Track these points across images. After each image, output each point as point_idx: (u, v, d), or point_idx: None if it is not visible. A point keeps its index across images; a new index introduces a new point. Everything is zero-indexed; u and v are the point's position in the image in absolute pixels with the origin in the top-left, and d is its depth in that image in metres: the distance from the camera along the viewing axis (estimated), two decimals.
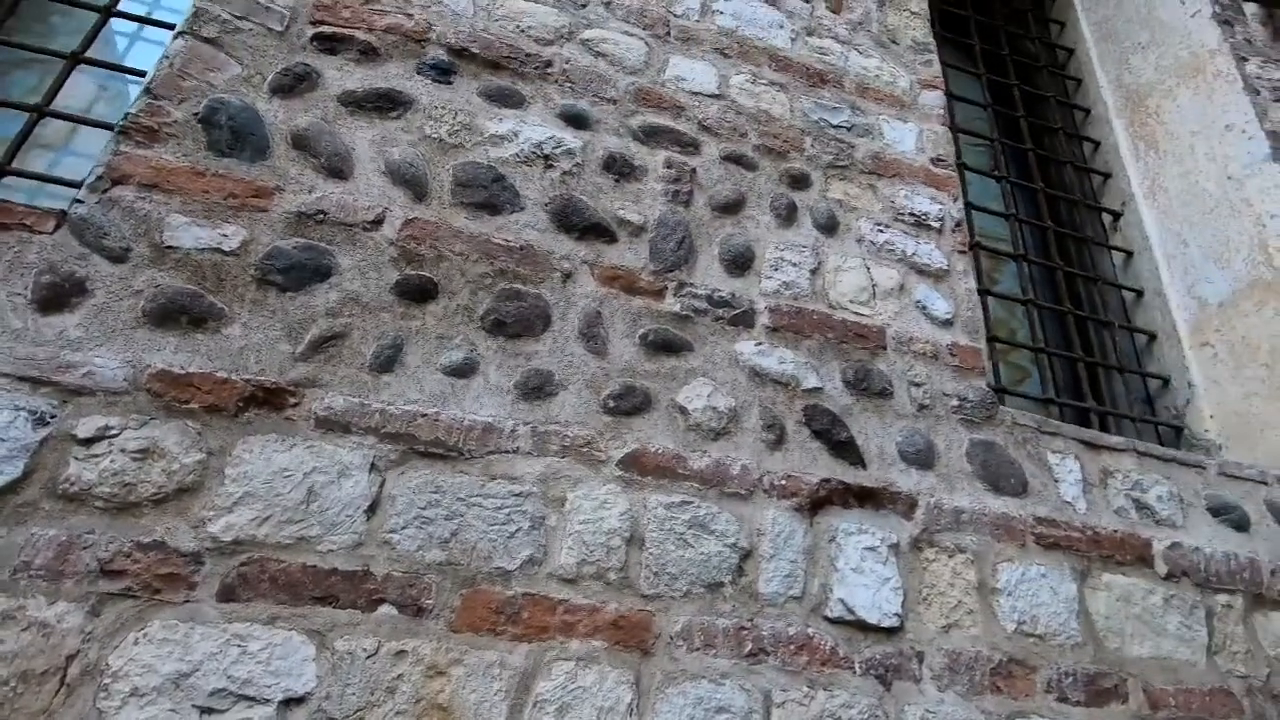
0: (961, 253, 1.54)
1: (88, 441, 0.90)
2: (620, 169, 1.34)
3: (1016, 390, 1.69)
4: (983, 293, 1.69)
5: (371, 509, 0.97)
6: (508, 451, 1.06)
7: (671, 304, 1.26)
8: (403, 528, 0.97)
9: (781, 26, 1.67)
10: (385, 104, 1.25)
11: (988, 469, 1.31)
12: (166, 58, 1.16)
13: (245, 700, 0.84)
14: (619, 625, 1.00)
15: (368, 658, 0.89)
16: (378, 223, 1.15)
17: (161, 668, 0.83)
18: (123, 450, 0.91)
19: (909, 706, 1.08)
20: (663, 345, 1.22)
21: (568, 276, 1.22)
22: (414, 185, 1.20)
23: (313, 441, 0.98)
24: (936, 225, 1.54)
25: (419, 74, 1.30)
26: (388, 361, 1.06)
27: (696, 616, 1.04)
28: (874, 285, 1.42)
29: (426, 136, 1.24)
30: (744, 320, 1.29)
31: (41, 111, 1.21)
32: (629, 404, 1.15)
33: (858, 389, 1.30)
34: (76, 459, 0.89)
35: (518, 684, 0.93)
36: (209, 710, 0.82)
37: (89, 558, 0.85)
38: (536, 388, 1.11)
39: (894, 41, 1.79)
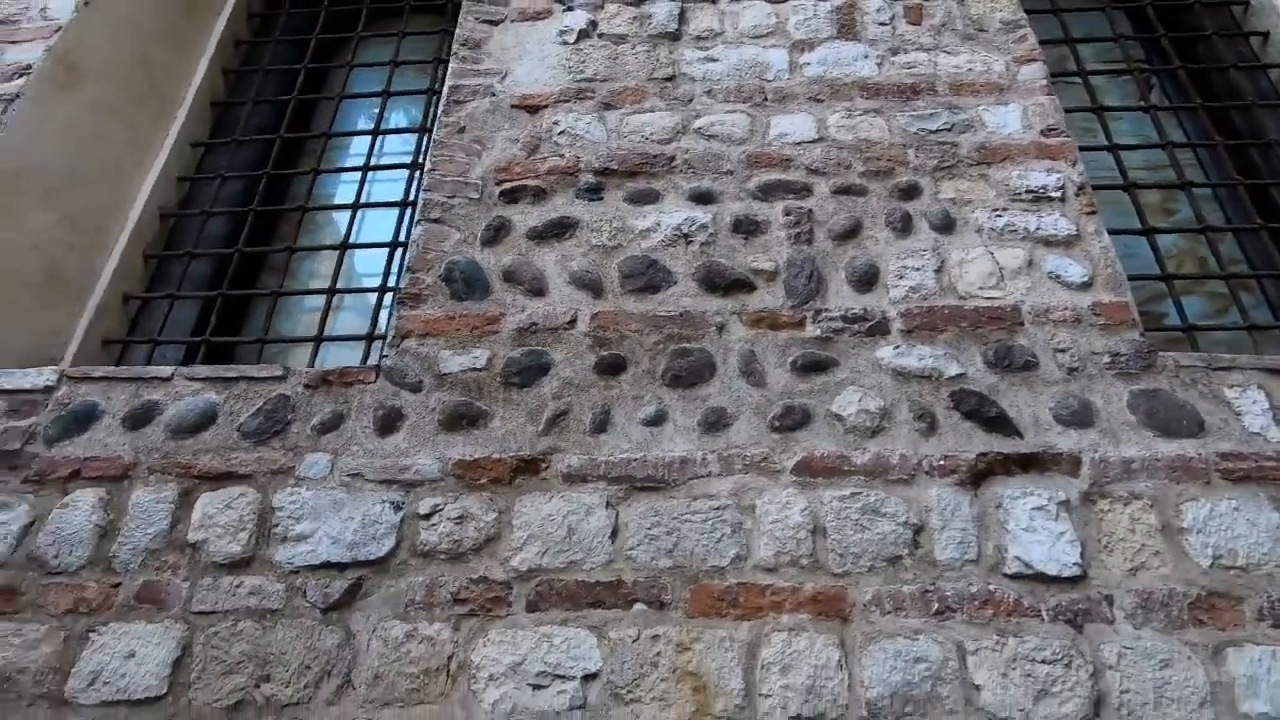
0: (1090, 213, 1.59)
1: (426, 516, 1.34)
2: (747, 228, 1.61)
3: (1209, 325, 1.66)
4: (1148, 231, 1.70)
5: (613, 534, 1.31)
6: (702, 476, 1.35)
7: (812, 330, 1.49)
8: (637, 545, 1.30)
9: (866, 57, 1.85)
10: (559, 229, 1.64)
11: (1154, 416, 1.36)
12: (415, 241, 1.64)
13: (558, 678, 1.20)
14: (818, 600, 1.24)
15: (633, 642, 1.22)
16: (572, 322, 1.53)
17: (504, 659, 1.22)
18: (448, 519, 1.34)
19: (1105, 645, 1.18)
20: (811, 366, 1.45)
21: (721, 328, 1.50)
22: (592, 286, 1.56)
23: (564, 492, 1.35)
24: (1057, 194, 1.61)
25: (578, 198, 1.68)
26: (601, 424, 1.42)
27: (883, 586, 1.24)
28: (1000, 269, 1.53)
29: (594, 246, 1.61)
30: (879, 329, 1.48)
31: (333, 291, 1.76)
32: (791, 421, 1.39)
33: (1000, 367, 1.43)
34: (423, 529, 1.33)
35: (745, 652, 1.21)
36: (538, 686, 1.20)
37: (444, 593, 1.28)
38: (714, 422, 1.40)
39: (981, 30, 1.89)
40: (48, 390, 1.52)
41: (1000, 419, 1.38)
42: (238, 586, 1.30)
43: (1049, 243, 1.56)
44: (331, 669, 1.23)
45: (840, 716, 1.15)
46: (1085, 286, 1.50)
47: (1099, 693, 1.15)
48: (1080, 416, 1.37)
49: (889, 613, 1.22)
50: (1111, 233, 1.60)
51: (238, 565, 1.32)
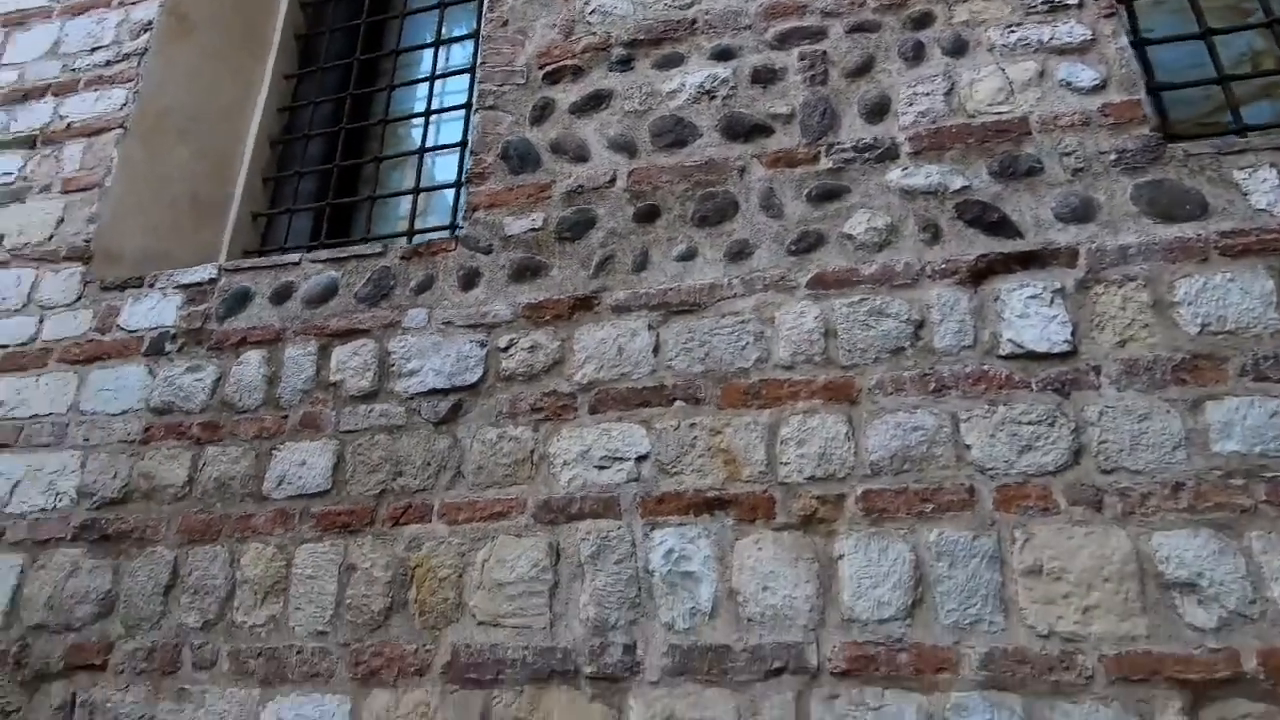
0: (1109, 15, 1.60)
1: (505, 349, 1.65)
2: (765, 78, 1.74)
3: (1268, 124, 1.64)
4: (1206, 34, 1.68)
5: (655, 350, 1.57)
6: (728, 297, 1.57)
7: (825, 163, 1.63)
8: (675, 357, 1.55)
9: None
10: (596, 101, 1.83)
11: (1156, 204, 1.43)
12: (475, 128, 1.89)
13: (617, 460, 1.50)
14: (828, 388, 1.46)
15: (674, 430, 1.50)
16: (612, 181, 1.75)
17: (573, 449, 1.53)
18: (522, 349, 1.64)
19: (1088, 406, 1.34)
20: (825, 196, 1.61)
21: (743, 171, 1.67)
22: (627, 148, 1.77)
23: (613, 320, 1.61)
24: (1074, 0, 1.63)
25: (610, 71, 1.86)
26: (641, 264, 1.65)
27: (886, 373, 1.44)
28: (1010, 83, 1.59)
29: (627, 112, 1.80)
30: (888, 155, 1.60)
31: (417, 190, 2.06)
32: (806, 244, 1.57)
33: (1005, 176, 1.52)
34: (503, 359, 1.65)
35: (767, 432, 1.45)
36: (601, 467, 1.50)
37: (524, 404, 1.59)
38: (738, 252, 1.61)
39: None
40: (212, 282, 1.94)
41: (1002, 223, 1.49)
42: (370, 411, 1.68)
43: (1062, 51, 1.59)
44: (446, 464, 1.59)
45: (847, 475, 1.39)
46: (1097, 89, 1.55)
47: (1079, 444, 1.32)
48: (1081, 212, 1.46)
49: (891, 394, 1.43)
50: (1167, 40, 1.60)
51: (368, 396, 1.70)
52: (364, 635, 1.50)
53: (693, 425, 1.49)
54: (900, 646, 1.27)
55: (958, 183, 1.54)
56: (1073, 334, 1.39)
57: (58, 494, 1.79)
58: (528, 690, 1.39)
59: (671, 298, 1.60)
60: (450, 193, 2.16)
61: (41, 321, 2.04)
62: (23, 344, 2.01)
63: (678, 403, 1.52)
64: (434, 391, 1.66)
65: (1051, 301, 1.41)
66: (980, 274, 1.47)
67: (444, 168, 2.39)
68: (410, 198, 2.22)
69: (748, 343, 1.53)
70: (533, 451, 1.56)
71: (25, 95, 2.40)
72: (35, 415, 1.90)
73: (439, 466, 1.59)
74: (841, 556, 1.35)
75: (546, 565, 1.46)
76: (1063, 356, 1.38)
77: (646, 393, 1.54)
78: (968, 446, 1.36)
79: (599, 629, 1.40)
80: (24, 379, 1.96)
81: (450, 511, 1.55)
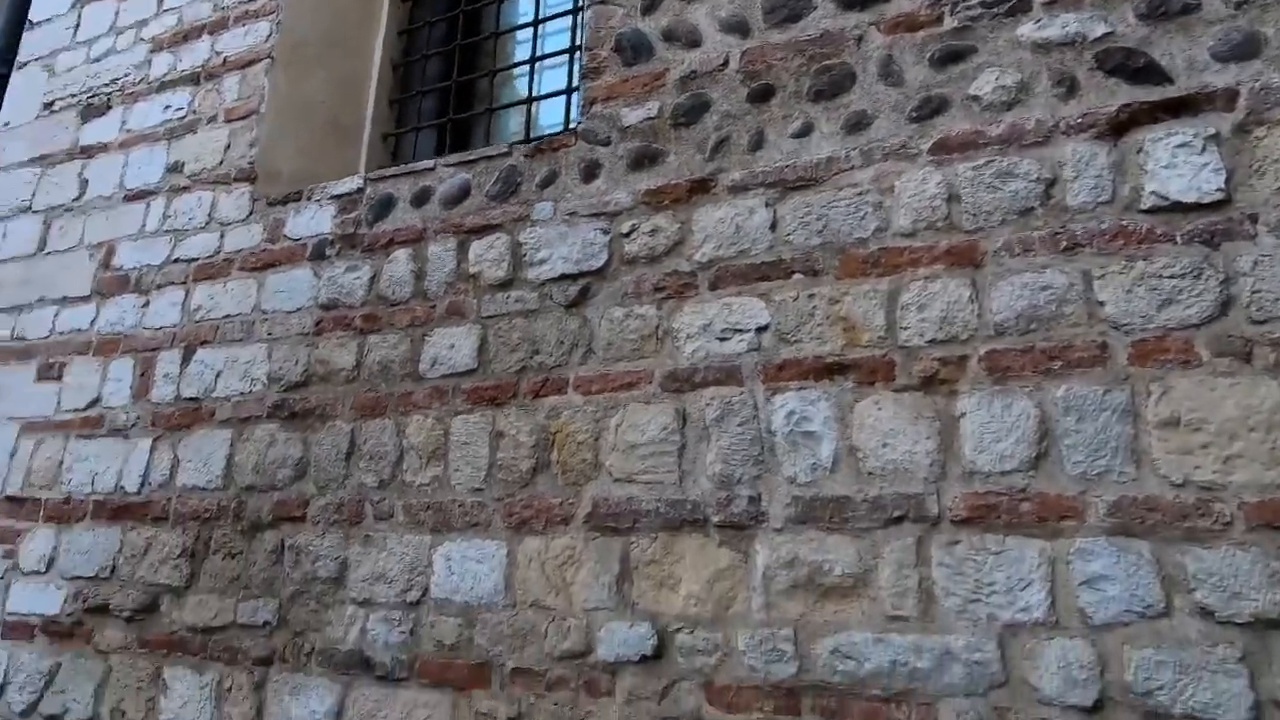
0: None
1: (627, 234, 1.74)
2: None
3: None
4: None
5: (772, 226, 1.61)
6: (846, 170, 1.58)
7: (950, 23, 1.57)
8: (793, 231, 1.59)
9: None
10: None
11: None
12: (587, 24, 1.94)
13: (737, 331, 1.58)
14: (951, 253, 1.45)
15: (793, 301, 1.55)
16: (725, 63, 1.76)
17: (695, 324, 1.62)
18: (643, 234, 1.73)
19: (1241, 257, 1.27)
20: (949, 58, 1.55)
21: (860, 40, 1.64)
22: (739, 28, 1.76)
23: (730, 200, 1.66)
24: None
25: None
26: (757, 143, 1.68)
27: (1013, 234, 1.42)
28: None
29: None
30: (1019, 8, 1.52)
31: (530, 100, 2.14)
32: (928, 110, 1.54)
33: (1154, 16, 1.41)
34: (625, 244, 1.74)
35: (886, 298, 1.48)
36: (722, 339, 1.59)
37: (648, 284, 1.69)
38: (856, 124, 1.60)
39: None
40: (359, 191, 2.13)
41: (1148, 68, 1.40)
42: (507, 298, 1.84)
43: None
44: (577, 342, 1.73)
45: (969, 337, 1.41)
46: None
47: (1228, 296, 1.26)
48: (1244, 49, 1.34)
49: (1018, 255, 1.41)
50: None
51: (504, 284, 1.85)
52: (514, 491, 1.70)
53: (811, 296, 1.54)
54: (1023, 496, 1.30)
55: (1098, 30, 1.45)
56: (1226, 182, 1.30)
57: (252, 380, 2.10)
58: (661, 537, 1.54)
59: (788, 174, 1.62)
60: (560, 102, 2.25)
61: (222, 236, 2.33)
62: (210, 256, 2.31)
63: (796, 275, 1.57)
64: (563, 277, 1.78)
65: (1203, 149, 1.33)
66: (1121, 126, 1.39)
67: (552, 80, 2.46)
68: (524, 109, 2.33)
69: (866, 213, 1.54)
70: (657, 327, 1.66)
71: (185, 36, 2.66)
72: (227, 315, 2.21)
73: (571, 344, 1.73)
74: (963, 414, 1.38)
75: (674, 429, 1.59)
76: (1214, 206, 1.30)
77: (765, 267, 1.60)
78: (1101, 303, 1.33)
79: (725, 483, 1.51)
80: (214, 286, 2.27)
81: (584, 384, 1.70)
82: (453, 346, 1.86)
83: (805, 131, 1.64)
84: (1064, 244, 1.38)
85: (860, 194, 1.55)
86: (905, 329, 1.45)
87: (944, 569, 1.32)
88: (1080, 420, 1.30)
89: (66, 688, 2.05)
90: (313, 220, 2.18)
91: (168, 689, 1.92)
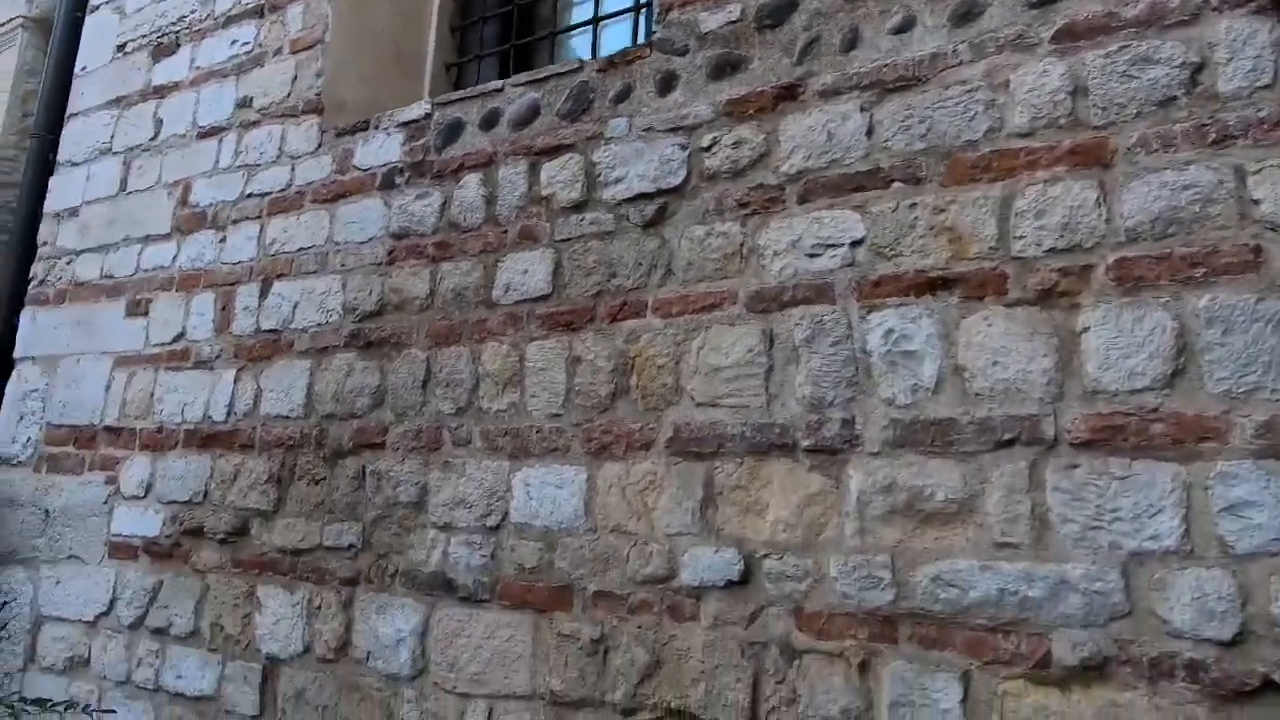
0: None
1: (707, 148, 1.64)
2: None
3: None
4: None
5: (868, 132, 1.49)
6: (953, 66, 1.43)
7: None
8: (892, 136, 1.47)
9: None
10: None
11: None
12: None
13: (829, 247, 1.48)
14: (1075, 152, 1.31)
15: (892, 212, 1.44)
16: None
17: (783, 240, 1.53)
18: (725, 146, 1.63)
19: None
20: None
21: None
22: None
23: (821, 106, 1.54)
24: None
25: None
26: (850, 43, 1.54)
27: (1150, 129, 1.26)
28: None
29: None
30: None
31: (596, 20, 2.03)
32: None
33: None
34: (705, 158, 1.64)
35: (999, 205, 1.35)
36: (813, 255, 1.49)
37: (730, 200, 1.60)
38: (964, 14, 1.44)
39: None
40: (426, 117, 2.08)
41: None
42: (581, 220, 1.77)
43: None
44: (656, 264, 1.66)
45: (1096, 245, 1.27)
46: None
47: None
48: None
49: (1155, 151, 1.26)
50: None
51: (578, 206, 1.78)
52: (593, 416, 1.66)
53: (913, 206, 1.42)
54: (1155, 417, 1.19)
55: None
56: None
57: (328, 311, 2.11)
58: (747, 462, 1.48)
59: (886, 74, 1.49)
60: (625, 27, 2.13)
61: (293, 170, 2.32)
62: (282, 190, 2.32)
63: (895, 184, 1.45)
64: (640, 196, 1.71)
65: None
66: None
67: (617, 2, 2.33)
68: (589, 34, 2.23)
69: (976, 113, 1.40)
70: (741, 245, 1.57)
71: None
72: (301, 248, 2.22)
73: (650, 266, 1.67)
74: (1086, 329, 1.26)
75: (760, 350, 1.51)
76: None
77: (860, 177, 1.48)
78: (1255, 202, 1.18)
79: (815, 406, 1.44)
80: (287, 219, 2.28)
81: (663, 306, 1.63)
82: (526, 272, 1.82)
83: (906, 26, 1.49)
84: (1212, 136, 1.22)
85: (969, 92, 1.41)
86: (1020, 238, 1.33)
87: (1060, 494, 1.23)
88: (1226, 333, 1.16)
89: (169, 603, 2.16)
90: (381, 149, 2.14)
91: (261, 606, 2.00)
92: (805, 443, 1.44)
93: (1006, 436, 1.28)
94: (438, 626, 1.74)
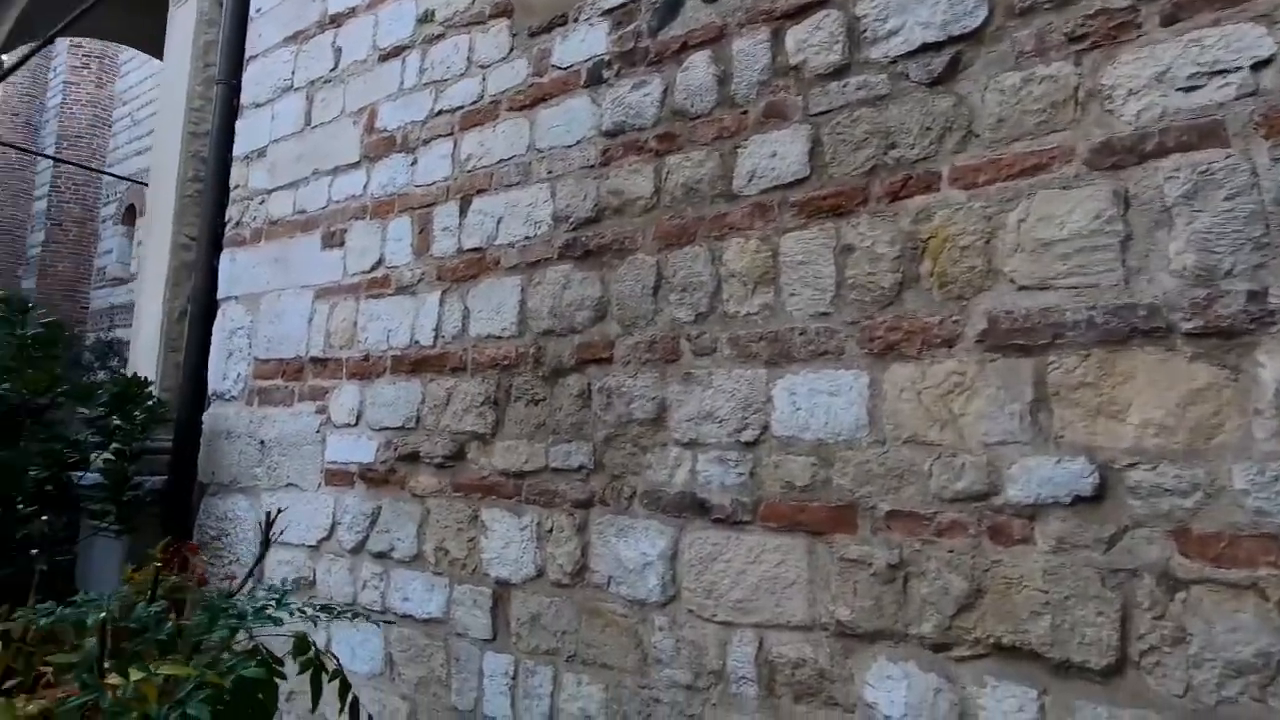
0: None
1: None
2: None
3: None
4: None
5: None
6: None
7: None
8: None
9: None
10: None
11: None
12: None
13: (1217, 74, 1.15)
14: None
15: None
16: None
17: (1142, 74, 1.21)
18: None
19: None
20: None
21: None
22: None
23: None
24: None
25: None
26: None
27: None
28: None
29: None
30: None
31: None
32: None
33: None
34: None
35: None
36: (1190, 87, 1.17)
37: (1056, 36, 1.29)
38: None
39: None
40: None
41: None
42: (844, 86, 1.51)
43: None
44: (951, 126, 1.38)
45: None
46: None
47: None
48: None
49: None
50: None
51: (839, 71, 1.53)
52: (873, 312, 1.43)
53: None
54: None
55: None
56: None
57: (536, 223, 1.97)
58: (1095, 354, 1.21)
59: None
60: None
61: (484, 80, 2.19)
62: (474, 103, 2.19)
63: None
64: (924, 48, 1.42)
65: None
66: None
67: None
68: None
69: None
70: (1076, 89, 1.27)
71: None
72: (500, 160, 2.09)
73: (942, 129, 1.39)
74: None
75: (1112, 215, 1.22)
76: None
77: None
78: None
79: (1203, 279, 1.14)
80: (482, 132, 2.15)
81: (965, 175, 1.36)
82: (775, 155, 1.59)
83: None
84: None
85: None
86: None
87: None
88: None
89: (390, 528, 2.15)
90: (583, 43, 1.96)
91: (487, 530, 1.93)
92: (1186, 326, 1.14)
93: None
94: (689, 550, 1.59)
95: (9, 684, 1.06)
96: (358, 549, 2.23)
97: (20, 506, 2.16)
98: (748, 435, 1.54)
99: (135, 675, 0.87)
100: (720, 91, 1.69)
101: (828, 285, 1.48)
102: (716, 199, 1.66)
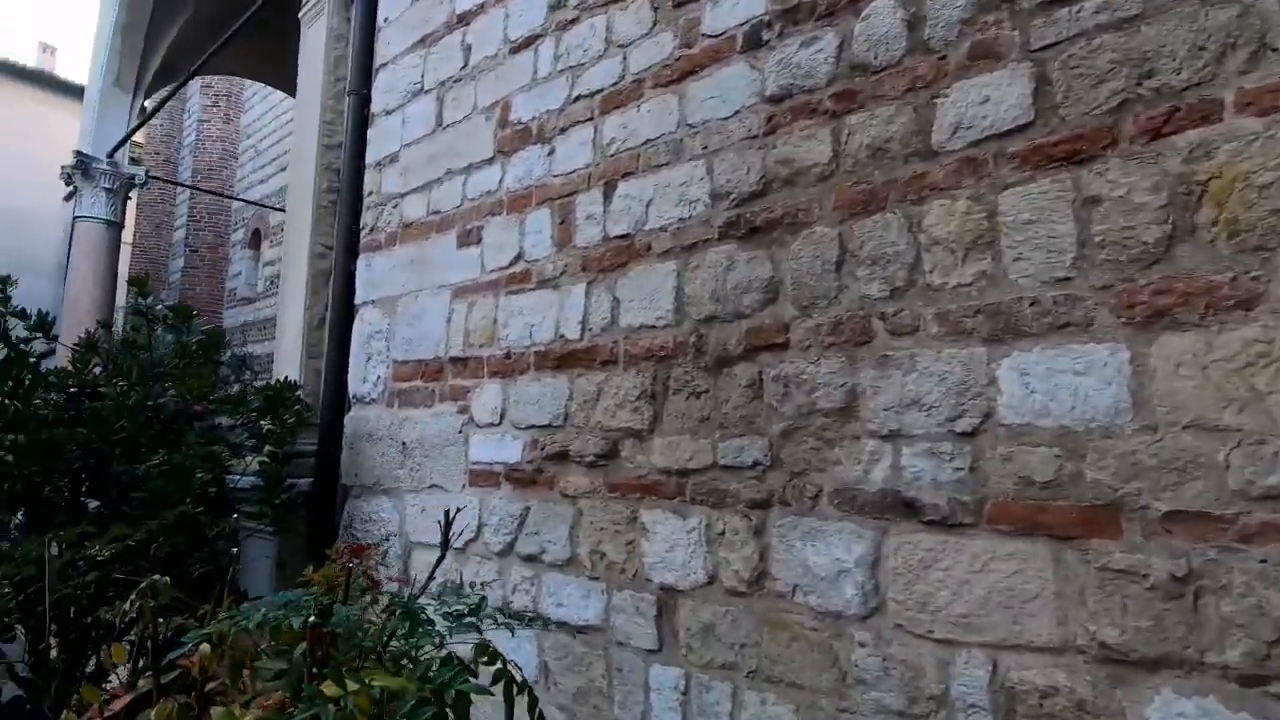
0: None
1: None
2: None
3: None
4: None
5: None
6: None
7: None
8: None
9: None
10: None
11: None
12: None
13: None
14: None
15: None
16: None
17: None
18: None
19: None
20: None
21: None
22: None
23: None
24: None
25: None
26: None
27: None
28: None
29: None
30: None
31: None
32: None
33: None
34: None
35: None
36: None
37: None
38: None
39: None
40: None
41: None
42: (1077, 12, 1.29)
43: None
44: (1234, 42, 1.14)
45: None
46: None
47: None
48: None
49: None
50: None
51: None
52: (1132, 274, 1.20)
53: None
54: None
55: None
56: None
57: (690, 203, 1.84)
58: None
59: None
60: None
61: (625, 59, 2.08)
62: (614, 84, 2.09)
63: None
64: None
65: None
66: None
67: None
68: None
69: None
70: None
71: None
72: (647, 140, 1.97)
73: (1221, 48, 1.15)
74: None
75: None
76: None
77: None
78: None
79: None
80: (625, 114, 2.04)
81: (1258, 99, 1.11)
82: (987, 100, 1.38)
83: None
84: None
85: None
86: None
87: None
88: None
89: (540, 529, 2.06)
90: (737, 6, 1.81)
91: (648, 532, 1.80)
92: None
93: None
94: (894, 556, 1.40)
95: (210, 686, 1.02)
96: (506, 551, 2.16)
97: (189, 507, 2.22)
98: (964, 424, 1.34)
99: (352, 686, 0.78)
100: (910, 37, 1.49)
101: (1067, 246, 1.26)
102: (911, 158, 1.47)
